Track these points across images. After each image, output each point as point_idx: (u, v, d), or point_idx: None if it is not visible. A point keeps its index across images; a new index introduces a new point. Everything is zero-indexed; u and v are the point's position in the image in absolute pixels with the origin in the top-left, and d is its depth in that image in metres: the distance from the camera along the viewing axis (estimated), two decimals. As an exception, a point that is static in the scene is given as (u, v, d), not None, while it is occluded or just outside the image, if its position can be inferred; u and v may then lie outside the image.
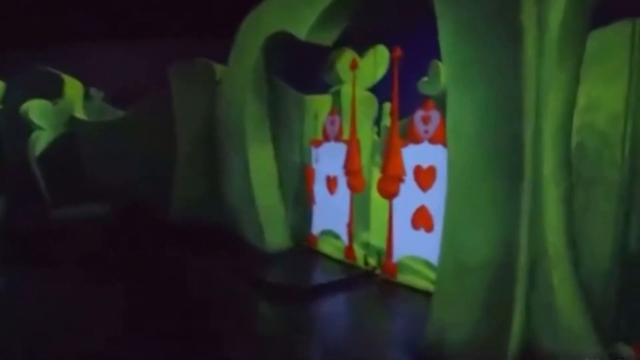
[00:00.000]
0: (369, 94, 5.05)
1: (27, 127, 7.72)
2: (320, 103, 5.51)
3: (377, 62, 4.92)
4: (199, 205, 6.51)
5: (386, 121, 4.46)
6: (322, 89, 5.51)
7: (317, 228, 5.47)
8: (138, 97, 7.16)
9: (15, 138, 7.99)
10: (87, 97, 8.33)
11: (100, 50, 8.83)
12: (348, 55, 5.05)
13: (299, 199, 5.71)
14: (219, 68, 6.35)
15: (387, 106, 4.44)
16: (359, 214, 4.81)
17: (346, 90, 5.06)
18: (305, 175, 5.60)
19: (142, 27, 8.20)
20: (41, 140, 7.60)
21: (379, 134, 4.76)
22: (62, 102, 7.82)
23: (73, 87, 8.06)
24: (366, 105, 4.97)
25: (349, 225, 4.85)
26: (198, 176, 6.60)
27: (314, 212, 5.51)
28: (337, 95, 5.20)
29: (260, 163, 5.70)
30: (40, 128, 7.63)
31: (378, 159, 4.63)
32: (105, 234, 7.18)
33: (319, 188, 5.38)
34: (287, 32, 4.90)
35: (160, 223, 6.91)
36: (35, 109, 7.55)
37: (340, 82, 5.14)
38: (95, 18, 8.23)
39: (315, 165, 5.44)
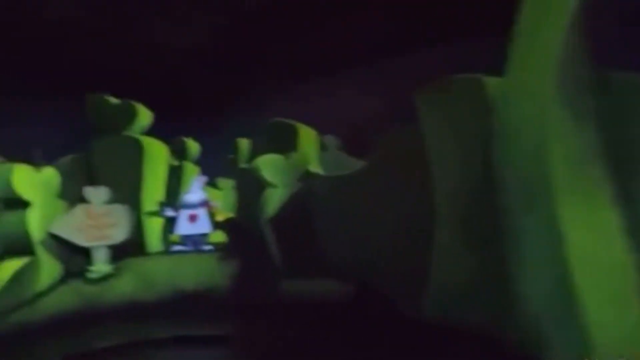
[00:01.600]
0: None
1: (261, 186, 6.73)
2: None
3: None
4: (466, 299, 4.19)
5: None
6: None
7: None
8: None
9: (253, 197, 7.11)
10: (321, 147, 7.04)
11: (331, 89, 7.51)
12: None
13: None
14: (491, 82, 4.00)
15: None
16: None
17: None
18: None
19: (376, 46, 6.48)
20: (273, 199, 6.45)
21: None
22: (295, 156, 6.59)
23: (307, 137, 6.83)
24: None
25: None
26: (467, 254, 4.24)
27: None
28: None
29: (589, 241, 2.93)
30: (272, 185, 6.50)
31: None
32: (333, 321, 5.48)
33: None
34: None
35: (405, 319, 4.78)
36: (267, 164, 6.49)
37: None
38: (314, 50, 6.98)
39: None
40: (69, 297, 6.33)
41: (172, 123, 8.52)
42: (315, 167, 6.59)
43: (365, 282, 5.74)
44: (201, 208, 7.55)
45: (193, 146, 8.91)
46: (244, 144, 8.75)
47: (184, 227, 7.46)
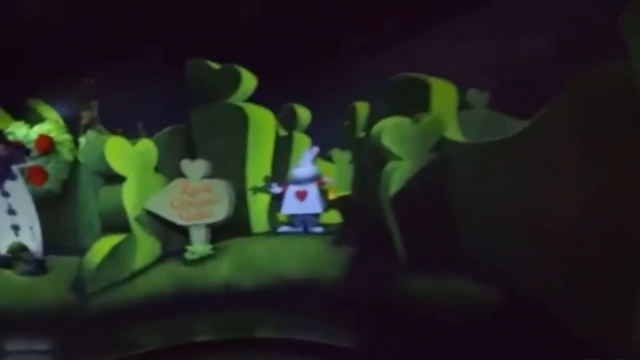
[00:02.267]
0: None
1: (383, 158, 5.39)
2: None
3: None
4: None
5: None
6: None
7: None
8: (554, 91, 3.59)
9: (373, 172, 5.80)
10: (462, 105, 5.42)
11: (472, 27, 5.66)
12: None
13: None
14: None
15: None
16: None
17: None
18: None
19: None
20: (397, 175, 5.07)
21: None
22: (427, 118, 5.11)
23: (443, 93, 5.28)
24: None
25: None
26: None
27: None
28: None
29: None
30: (397, 157, 5.13)
31: None
32: (471, 335, 4.06)
33: None
34: None
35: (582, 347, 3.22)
36: (389, 131, 5.11)
37: None
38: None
39: None
40: (164, 278, 5.71)
41: (279, 88, 7.54)
42: (453, 132, 5.04)
43: (518, 288, 4.17)
44: (311, 184, 6.46)
45: (303, 113, 7.84)
46: (362, 108, 7.42)
47: (291, 206, 6.45)
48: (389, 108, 5.63)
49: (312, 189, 6.42)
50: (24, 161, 6.19)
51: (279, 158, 7.07)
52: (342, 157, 7.98)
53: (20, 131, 7.48)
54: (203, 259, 5.86)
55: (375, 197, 5.55)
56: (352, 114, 7.65)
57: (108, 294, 5.40)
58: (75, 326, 5.05)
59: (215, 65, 6.88)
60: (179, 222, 6.00)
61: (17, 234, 5.97)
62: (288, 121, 7.71)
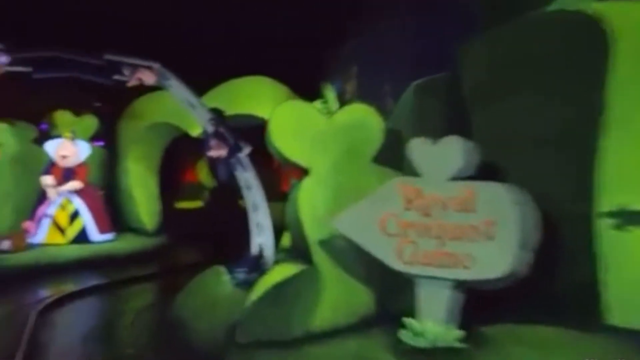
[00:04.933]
0: None
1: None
2: None
3: None
4: None
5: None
6: None
7: None
8: None
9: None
10: None
11: None
12: None
13: None
14: None
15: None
16: None
17: None
18: None
19: None
20: None
21: None
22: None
23: None
24: None
25: None
26: None
27: None
28: None
29: None
30: None
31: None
32: None
33: None
34: None
35: None
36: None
37: None
38: None
39: None
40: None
41: None
42: None
43: None
44: None
45: None
46: None
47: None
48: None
49: None
50: (239, 149, 4.82)
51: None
52: None
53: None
54: (435, 353, 2.39)
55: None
56: None
57: (259, 354, 2.83)
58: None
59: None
60: (396, 265, 2.68)
61: (259, 234, 4.77)
62: None
